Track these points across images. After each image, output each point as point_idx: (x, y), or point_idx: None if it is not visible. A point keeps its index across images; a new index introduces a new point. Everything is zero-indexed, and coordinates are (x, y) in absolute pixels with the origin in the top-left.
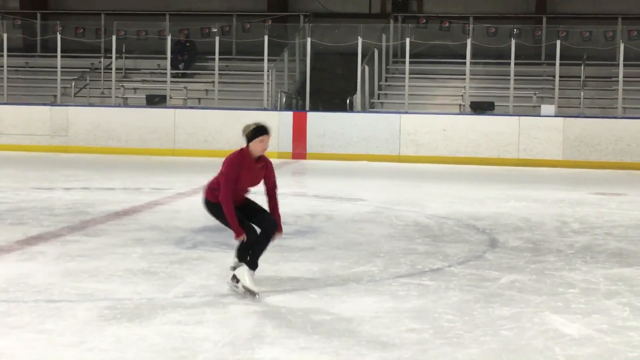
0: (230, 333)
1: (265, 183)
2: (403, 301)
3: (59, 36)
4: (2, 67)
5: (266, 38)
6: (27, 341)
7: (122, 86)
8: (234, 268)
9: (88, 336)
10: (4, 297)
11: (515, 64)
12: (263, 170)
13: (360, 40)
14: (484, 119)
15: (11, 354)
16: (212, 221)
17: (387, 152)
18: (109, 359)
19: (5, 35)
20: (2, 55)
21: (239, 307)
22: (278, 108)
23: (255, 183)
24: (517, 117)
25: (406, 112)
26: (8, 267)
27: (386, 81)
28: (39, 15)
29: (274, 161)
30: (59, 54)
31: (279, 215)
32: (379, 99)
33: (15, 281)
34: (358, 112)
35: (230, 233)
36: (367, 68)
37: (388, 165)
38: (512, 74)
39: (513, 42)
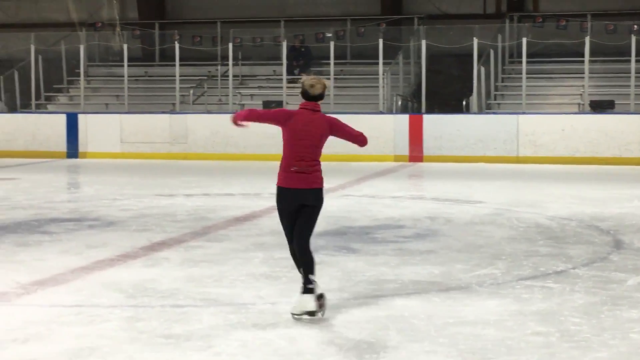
0: (354, 337)
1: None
2: (527, 304)
3: (177, 45)
4: (123, 76)
5: (381, 41)
6: (156, 345)
7: (239, 93)
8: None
9: (214, 340)
10: (132, 302)
11: (636, 61)
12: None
13: (475, 41)
14: (604, 117)
15: (140, 358)
16: (332, 225)
17: (504, 153)
18: None
19: (125, 46)
20: (123, 65)
21: (362, 311)
22: (394, 111)
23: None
24: (638, 115)
25: (524, 113)
26: (134, 273)
27: (502, 82)
28: (157, 25)
29: (390, 164)
30: (177, 62)
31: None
32: (495, 99)
33: (142, 286)
34: (474, 113)
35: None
36: (482, 69)
37: (506, 167)
38: (632, 71)
39: (633, 39)
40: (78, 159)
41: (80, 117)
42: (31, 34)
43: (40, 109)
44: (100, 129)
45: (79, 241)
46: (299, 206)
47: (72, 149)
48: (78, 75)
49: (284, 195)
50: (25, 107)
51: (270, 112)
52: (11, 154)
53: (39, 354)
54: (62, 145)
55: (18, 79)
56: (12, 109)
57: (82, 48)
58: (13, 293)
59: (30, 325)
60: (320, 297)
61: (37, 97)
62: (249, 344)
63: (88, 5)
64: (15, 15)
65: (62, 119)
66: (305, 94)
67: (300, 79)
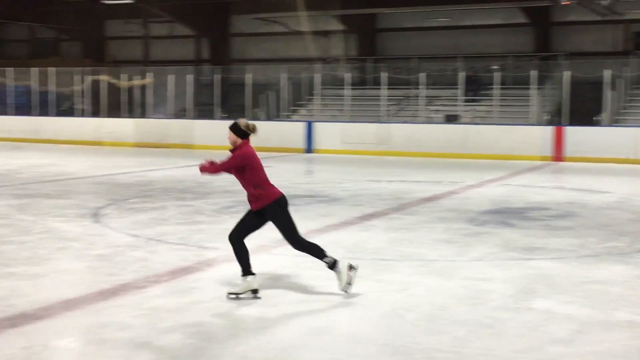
0: (511, 288)
1: None
2: None
3: (383, 74)
4: (344, 96)
5: (533, 72)
6: (367, 287)
7: (428, 109)
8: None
9: (408, 285)
10: (350, 255)
11: None
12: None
13: (606, 72)
14: None
15: (357, 295)
16: (495, 206)
17: (627, 156)
18: (424, 301)
19: (350, 75)
20: (344, 88)
21: (518, 270)
22: (542, 124)
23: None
24: None
25: None
26: (352, 235)
27: (627, 102)
28: (369, 60)
29: (539, 162)
30: (383, 86)
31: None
32: (621, 116)
33: (357, 245)
34: (605, 126)
35: None
36: (612, 93)
37: (630, 167)
38: None
39: None
40: (312, 154)
41: (315, 124)
42: (283, 66)
43: (287, 118)
44: (328, 133)
45: (313, 211)
46: None
47: (309, 147)
48: (313, 95)
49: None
50: (276, 117)
51: (234, 165)
52: (267, 149)
53: (287, 287)
54: (301, 144)
55: (273, 97)
56: (268, 117)
57: (317, 76)
58: (269, 245)
59: (281, 268)
60: (350, 267)
61: (285, 110)
62: (434, 289)
63: (322, 46)
64: (273, 53)
65: (302, 125)
66: (244, 134)
67: (477, 99)
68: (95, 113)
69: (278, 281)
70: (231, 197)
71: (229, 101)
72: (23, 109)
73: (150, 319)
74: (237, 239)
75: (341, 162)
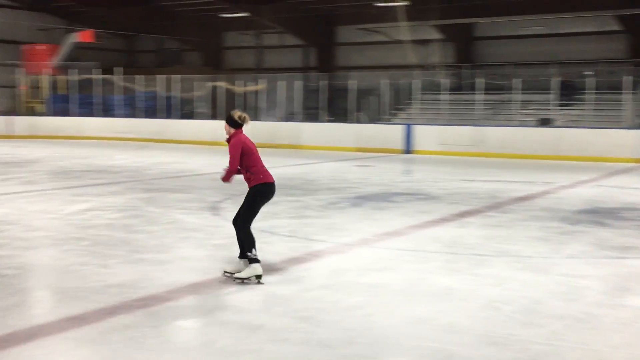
0: (606, 285)
1: None
2: None
3: (479, 80)
4: (441, 101)
5: (626, 78)
6: (464, 281)
7: (522, 112)
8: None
9: (504, 280)
10: (447, 250)
11: None
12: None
13: None
14: None
15: (454, 288)
16: (589, 206)
17: None
18: (519, 295)
19: (447, 81)
20: (441, 93)
21: (610, 267)
22: (635, 127)
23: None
24: None
25: None
26: (449, 231)
27: None
28: (465, 67)
29: (631, 164)
30: (479, 91)
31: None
32: None
33: (454, 240)
34: None
35: None
36: None
37: None
38: None
39: None
40: (411, 155)
41: (413, 127)
42: (384, 72)
43: (387, 121)
44: (425, 135)
45: (412, 208)
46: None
47: (407, 148)
48: (412, 99)
49: (273, 189)
50: (378, 120)
51: (235, 155)
52: (368, 150)
53: (389, 278)
54: (400, 145)
55: (375, 102)
56: (370, 120)
57: (415, 82)
58: (371, 239)
59: (382, 260)
60: (258, 277)
61: (386, 113)
62: (529, 283)
63: (420, 54)
64: (375, 60)
65: (401, 128)
66: (236, 124)
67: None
68: (213, 116)
69: (380, 272)
70: (336, 193)
71: (334, 105)
72: (150, 112)
73: (264, 304)
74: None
75: (438, 163)
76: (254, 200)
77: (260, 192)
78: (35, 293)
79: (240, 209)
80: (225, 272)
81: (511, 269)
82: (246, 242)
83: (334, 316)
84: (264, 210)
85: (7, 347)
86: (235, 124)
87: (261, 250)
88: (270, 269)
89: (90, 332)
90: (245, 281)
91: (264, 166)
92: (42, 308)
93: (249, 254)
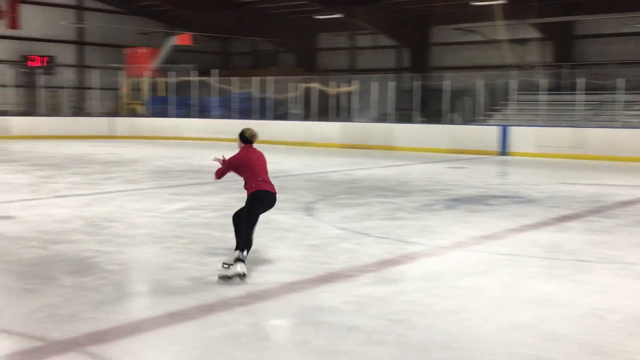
0: None
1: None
2: None
3: (580, 79)
4: (539, 101)
5: None
6: (566, 287)
7: (625, 113)
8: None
9: (608, 287)
10: (546, 255)
11: None
12: None
13: None
14: None
15: (554, 294)
16: None
17: None
18: (625, 304)
19: (546, 81)
20: (539, 94)
21: None
22: None
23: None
24: None
25: None
26: (548, 235)
27: None
28: (565, 66)
29: None
30: (580, 91)
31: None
32: None
33: (553, 245)
34: None
35: None
36: None
37: None
38: None
39: None
40: (506, 157)
41: (509, 128)
42: (479, 72)
43: (482, 122)
44: (522, 136)
45: (509, 211)
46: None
47: (503, 150)
48: (508, 100)
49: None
50: (472, 121)
51: (227, 166)
52: (463, 151)
53: (485, 283)
54: (496, 147)
55: (469, 102)
56: (464, 121)
57: (512, 82)
58: (467, 242)
59: (478, 264)
60: (241, 276)
61: (480, 114)
62: (636, 292)
63: (518, 53)
64: (470, 60)
65: (496, 129)
66: (247, 140)
67: None
68: (306, 117)
69: (476, 276)
70: (430, 195)
71: (427, 106)
72: (245, 113)
73: (359, 306)
74: (237, 219)
75: (535, 165)
76: (251, 205)
77: (256, 197)
78: (137, 288)
79: (242, 210)
80: (224, 263)
81: (616, 276)
82: (243, 243)
83: (429, 319)
84: (358, 211)
85: (111, 341)
86: (246, 140)
87: (354, 251)
88: (365, 270)
89: (190, 329)
90: (228, 280)
91: (261, 179)
92: (143, 303)
93: (241, 254)
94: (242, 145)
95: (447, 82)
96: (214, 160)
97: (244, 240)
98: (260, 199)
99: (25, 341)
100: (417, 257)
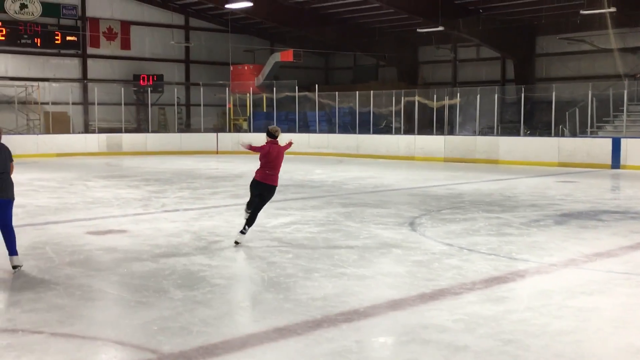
0: None
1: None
2: None
3: None
4: None
5: None
6: None
7: None
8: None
9: None
10: None
11: None
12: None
13: None
14: None
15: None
16: None
17: None
18: None
19: None
20: None
21: None
22: None
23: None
24: None
25: None
26: None
27: None
28: None
29: None
30: None
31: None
32: None
33: None
34: None
35: None
36: None
37: None
38: None
39: None
40: (619, 170)
41: (622, 140)
42: (589, 83)
43: (592, 134)
44: (636, 149)
45: (623, 227)
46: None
47: (615, 163)
48: (621, 111)
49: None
50: (582, 133)
51: (260, 151)
52: (573, 164)
53: (600, 303)
54: (607, 160)
55: (578, 114)
56: (572, 134)
57: (625, 92)
58: (579, 260)
59: (592, 283)
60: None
61: (591, 126)
62: None
63: (630, 62)
64: (578, 71)
65: (608, 141)
66: (272, 135)
67: None
68: (408, 131)
69: (590, 296)
70: (538, 210)
71: (533, 118)
72: (346, 128)
73: (467, 324)
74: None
75: None
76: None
77: (251, 184)
78: (244, 303)
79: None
80: (236, 242)
81: None
82: (251, 219)
83: (542, 340)
84: (463, 226)
85: (221, 354)
86: (271, 136)
87: (461, 268)
88: (472, 287)
89: (297, 344)
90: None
91: (268, 171)
92: (250, 317)
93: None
94: (268, 139)
95: (554, 94)
96: (241, 144)
97: (252, 217)
98: (252, 185)
99: (138, 353)
100: (526, 275)
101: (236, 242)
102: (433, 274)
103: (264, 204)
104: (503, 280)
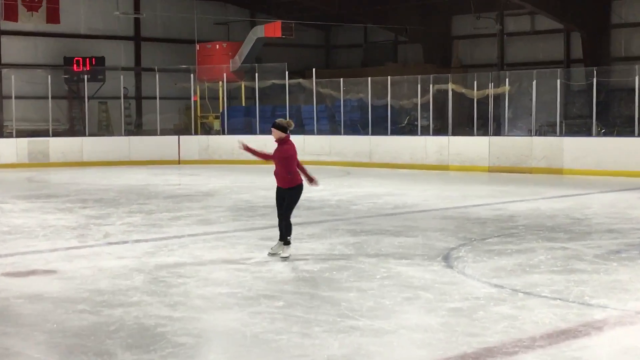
0: None
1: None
2: None
3: None
4: None
5: None
6: None
7: None
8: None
9: None
10: None
11: None
12: (278, 151)
13: None
14: None
15: None
16: None
17: None
18: None
19: None
20: None
21: None
22: None
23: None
24: None
25: None
26: None
27: None
28: None
29: None
30: None
31: (304, 170)
32: None
33: None
34: None
35: None
36: None
37: None
38: None
39: None
40: None
41: None
42: None
43: None
44: None
45: None
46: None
47: None
48: None
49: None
50: None
51: (294, 156)
52: None
53: None
54: None
55: None
56: None
57: None
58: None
59: None
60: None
61: None
62: None
63: None
64: None
65: None
66: (285, 130)
67: None
68: (440, 130)
69: None
70: (618, 238)
71: (610, 112)
72: (355, 127)
73: None
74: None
75: None
76: (297, 196)
77: (300, 190)
78: None
79: (284, 204)
80: (270, 252)
81: None
82: (287, 230)
83: None
84: (517, 260)
85: None
86: (285, 130)
87: (515, 318)
88: (531, 345)
89: None
90: (287, 259)
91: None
92: None
93: (288, 237)
94: (284, 135)
95: (638, 78)
96: (239, 145)
97: (288, 227)
98: (301, 190)
99: None
100: (605, 327)
101: (283, 258)
102: (477, 327)
103: (289, 208)
104: (573, 335)
